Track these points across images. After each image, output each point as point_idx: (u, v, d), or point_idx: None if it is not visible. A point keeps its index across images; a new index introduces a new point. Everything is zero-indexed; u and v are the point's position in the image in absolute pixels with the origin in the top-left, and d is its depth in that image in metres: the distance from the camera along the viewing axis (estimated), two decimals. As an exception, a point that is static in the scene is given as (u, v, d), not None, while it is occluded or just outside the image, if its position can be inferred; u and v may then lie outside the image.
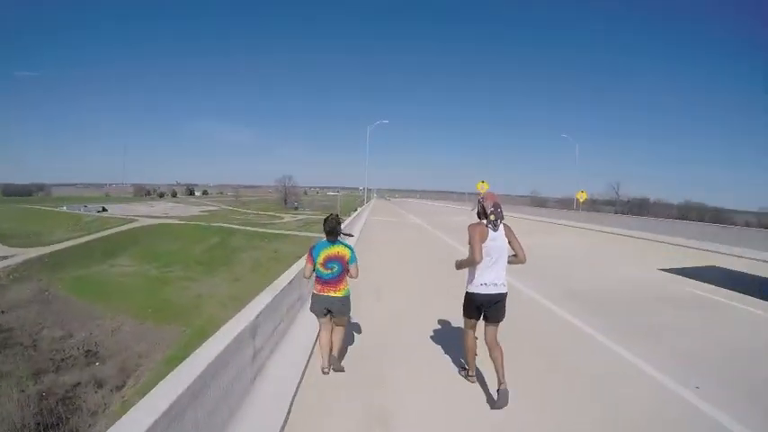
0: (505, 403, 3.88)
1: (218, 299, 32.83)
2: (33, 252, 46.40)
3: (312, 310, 4.61)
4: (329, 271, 4.47)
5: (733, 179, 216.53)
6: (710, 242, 16.84)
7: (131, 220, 66.66)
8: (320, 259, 4.46)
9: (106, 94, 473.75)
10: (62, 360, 25.70)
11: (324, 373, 4.60)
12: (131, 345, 26.71)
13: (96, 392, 22.01)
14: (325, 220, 4.61)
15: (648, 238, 19.73)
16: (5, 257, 44.64)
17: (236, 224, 65.21)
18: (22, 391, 22.05)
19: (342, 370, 4.67)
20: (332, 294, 4.48)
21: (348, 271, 4.55)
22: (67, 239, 52.75)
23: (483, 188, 37.66)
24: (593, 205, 45.52)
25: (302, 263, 6.96)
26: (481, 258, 3.91)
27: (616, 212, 53.85)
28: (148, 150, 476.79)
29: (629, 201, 71.08)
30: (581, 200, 41.98)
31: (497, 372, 3.98)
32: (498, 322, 4.09)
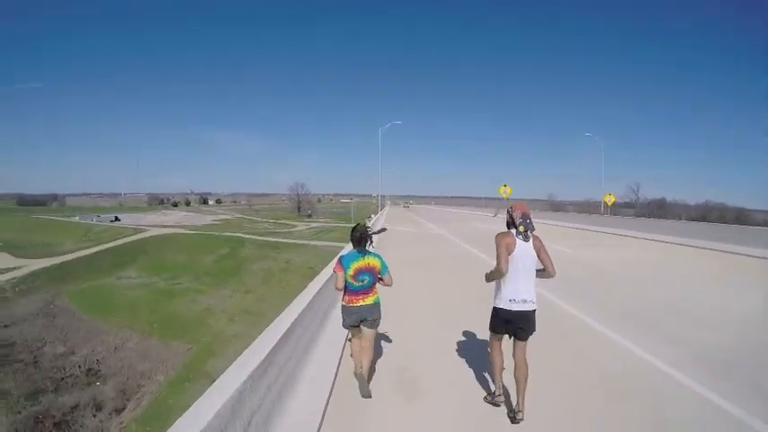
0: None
1: (227, 313, 31.30)
2: (41, 263, 45.52)
3: (344, 323, 4.51)
4: (360, 283, 4.36)
5: (745, 177, 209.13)
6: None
7: (141, 230, 65.74)
8: (350, 271, 4.33)
9: (121, 104, 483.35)
10: (62, 379, 24.47)
11: (355, 374, 4.49)
12: (134, 363, 25.27)
13: (94, 416, 20.59)
14: (353, 229, 4.50)
15: (724, 250, 15.95)
16: (13, 269, 43.79)
17: (248, 233, 63.94)
18: (18, 412, 20.96)
19: (369, 396, 4.36)
20: (361, 303, 4.38)
21: (381, 280, 4.49)
22: (76, 250, 51.91)
23: (505, 192, 35.97)
24: (613, 208, 43.71)
25: (320, 281, 6.57)
26: (507, 269, 3.78)
27: (636, 215, 52.53)
28: (163, 160, 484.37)
29: (649, 203, 68.74)
30: (609, 203, 39.91)
31: (518, 394, 3.90)
32: (527, 339, 3.96)
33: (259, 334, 3.90)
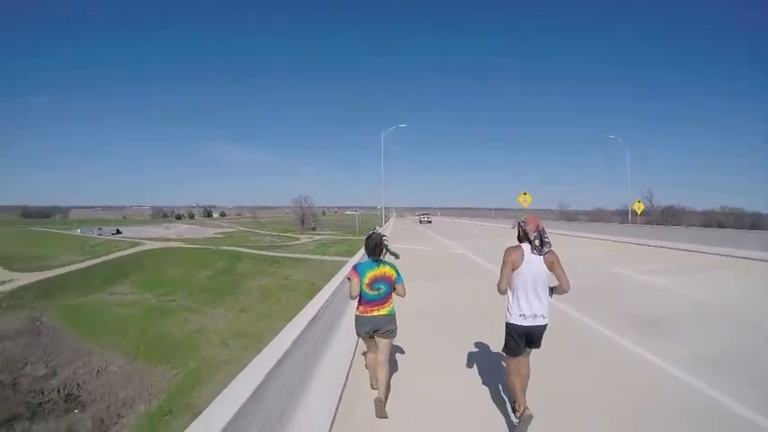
0: (525, 430, 3.68)
1: (219, 334, 29.53)
2: (33, 277, 44.08)
3: (358, 332, 4.41)
4: (376, 292, 4.27)
5: (755, 181, 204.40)
6: None
7: (137, 243, 64.34)
8: (366, 280, 4.24)
9: (128, 118, 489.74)
10: (39, 405, 22.70)
11: (373, 388, 4.51)
12: (117, 388, 23.52)
13: (67, 451, 18.92)
14: (368, 237, 4.40)
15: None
16: (2, 282, 42.32)
17: (249, 247, 62.40)
18: (-12, 442, 19.50)
19: (385, 416, 4.10)
20: (376, 314, 4.27)
21: (395, 290, 4.38)
22: (70, 263, 50.51)
23: (525, 201, 33.52)
24: (627, 217, 42.30)
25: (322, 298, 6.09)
26: (506, 288, 3.85)
27: (650, 223, 50.95)
28: (168, 173, 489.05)
29: (663, 210, 66.96)
30: (638, 211, 38.47)
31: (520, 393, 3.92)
32: (533, 349, 3.99)
33: (252, 358, 3.61)
